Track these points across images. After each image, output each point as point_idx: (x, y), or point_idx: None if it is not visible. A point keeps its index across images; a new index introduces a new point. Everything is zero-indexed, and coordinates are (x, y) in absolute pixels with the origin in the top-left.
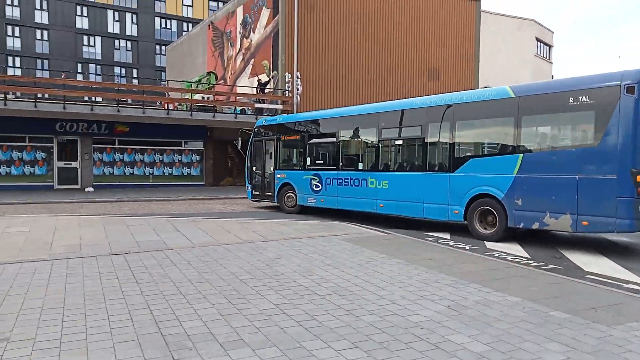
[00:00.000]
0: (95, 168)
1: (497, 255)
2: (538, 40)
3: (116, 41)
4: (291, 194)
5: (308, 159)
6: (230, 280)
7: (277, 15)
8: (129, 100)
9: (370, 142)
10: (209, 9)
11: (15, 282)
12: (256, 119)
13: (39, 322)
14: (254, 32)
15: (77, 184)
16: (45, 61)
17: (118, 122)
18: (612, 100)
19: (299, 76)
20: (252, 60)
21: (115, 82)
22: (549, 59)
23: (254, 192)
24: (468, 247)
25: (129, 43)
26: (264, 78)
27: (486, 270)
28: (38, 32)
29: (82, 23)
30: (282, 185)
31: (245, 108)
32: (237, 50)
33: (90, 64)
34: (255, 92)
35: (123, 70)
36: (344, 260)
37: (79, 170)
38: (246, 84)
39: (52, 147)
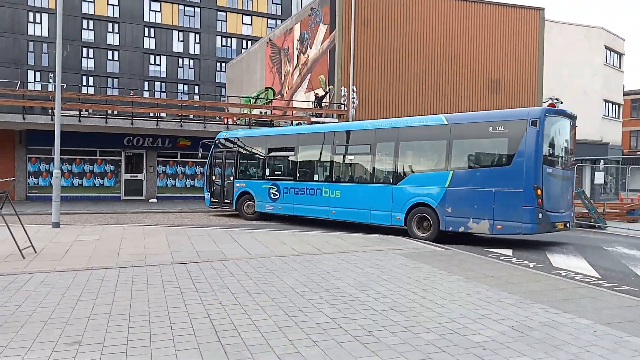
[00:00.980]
0: (158, 180)
1: (564, 274)
2: (607, 48)
3: (180, 60)
4: (250, 202)
5: (267, 170)
6: (286, 292)
7: (334, 30)
8: (191, 116)
9: (325, 156)
10: (267, 27)
11: (85, 288)
12: None
13: (107, 327)
14: (310, 48)
15: (142, 195)
16: (115, 80)
17: (181, 137)
18: (521, 130)
19: (355, 89)
20: (309, 75)
21: (178, 99)
22: (620, 68)
23: (212, 200)
24: (532, 264)
25: (191, 61)
26: (320, 92)
27: (552, 290)
28: (109, 52)
29: (149, 43)
30: (242, 193)
31: (302, 122)
32: (294, 66)
33: (155, 82)
34: (311, 107)
35: (186, 87)
36: (401, 275)
37: (144, 182)
38: (302, 99)
39: (120, 160)
